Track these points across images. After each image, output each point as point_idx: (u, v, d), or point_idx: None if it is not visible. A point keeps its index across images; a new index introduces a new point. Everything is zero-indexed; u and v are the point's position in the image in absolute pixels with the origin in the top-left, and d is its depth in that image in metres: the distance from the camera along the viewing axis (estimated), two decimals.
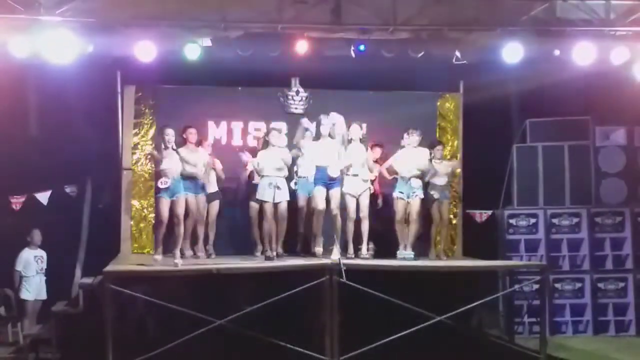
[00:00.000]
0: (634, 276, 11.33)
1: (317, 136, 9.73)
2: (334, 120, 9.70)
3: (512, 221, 11.44)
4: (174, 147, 9.28)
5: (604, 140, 11.56)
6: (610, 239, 11.40)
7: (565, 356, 9.53)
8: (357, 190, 9.70)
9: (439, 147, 10.46)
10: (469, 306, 9.01)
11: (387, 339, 8.32)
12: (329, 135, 9.66)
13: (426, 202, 10.08)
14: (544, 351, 8.91)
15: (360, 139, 9.78)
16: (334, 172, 9.52)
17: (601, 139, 11.56)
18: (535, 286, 9.86)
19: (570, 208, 11.46)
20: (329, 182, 9.55)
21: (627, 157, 11.49)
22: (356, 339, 8.33)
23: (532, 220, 11.43)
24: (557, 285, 11.27)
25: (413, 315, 8.44)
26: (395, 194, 9.98)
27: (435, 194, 10.19)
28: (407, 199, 9.88)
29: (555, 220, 11.43)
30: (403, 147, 10.08)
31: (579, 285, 11.33)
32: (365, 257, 9.65)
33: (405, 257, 9.79)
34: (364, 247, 9.77)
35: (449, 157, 11.06)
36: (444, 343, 8.79)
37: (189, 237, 9.86)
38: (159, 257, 9.20)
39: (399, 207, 9.93)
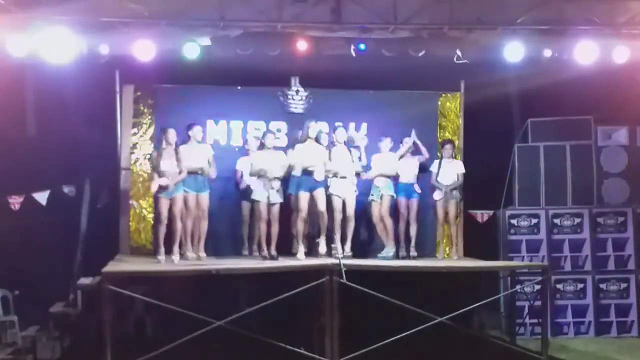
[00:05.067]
0: (636, 277, 11.27)
1: (304, 139, 9.75)
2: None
3: (514, 221, 11.39)
4: (175, 146, 9.44)
5: (606, 140, 11.51)
6: (612, 240, 11.34)
7: (567, 357, 9.52)
8: (344, 192, 9.89)
9: (448, 147, 10.58)
10: (470, 307, 8.97)
11: (388, 340, 8.27)
12: (316, 139, 9.75)
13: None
14: (545, 352, 8.87)
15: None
16: (319, 176, 9.60)
17: (603, 138, 11.50)
18: (537, 287, 9.85)
19: (572, 208, 11.41)
20: (313, 185, 9.60)
21: (629, 157, 11.44)
22: (356, 339, 8.29)
23: (534, 221, 11.38)
24: (559, 286, 11.22)
25: (414, 316, 8.40)
26: (370, 198, 10.34)
27: (439, 194, 10.38)
28: (379, 200, 10.22)
29: (556, 221, 11.38)
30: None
31: (580, 286, 11.27)
32: (348, 256, 9.71)
33: (384, 257, 10.10)
34: (347, 246, 9.93)
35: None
36: (445, 344, 8.75)
37: (189, 236, 9.76)
38: (161, 257, 9.29)
39: (373, 209, 10.28)
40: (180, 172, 9.43)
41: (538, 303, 9.42)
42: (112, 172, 10.80)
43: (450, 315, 8.57)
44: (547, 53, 9.93)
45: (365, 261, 9.62)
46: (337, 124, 10.43)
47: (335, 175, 9.87)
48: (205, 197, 9.78)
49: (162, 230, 9.41)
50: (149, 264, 9.30)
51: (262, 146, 9.99)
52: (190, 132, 9.76)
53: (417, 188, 10.45)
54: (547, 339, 9.02)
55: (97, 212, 11.20)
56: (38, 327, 10.07)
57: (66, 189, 10.81)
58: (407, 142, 10.51)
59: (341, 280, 8.18)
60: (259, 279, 8.78)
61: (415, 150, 10.61)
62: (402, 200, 10.43)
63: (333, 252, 9.83)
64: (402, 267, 9.45)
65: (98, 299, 8.10)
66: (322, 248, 9.67)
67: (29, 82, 10.83)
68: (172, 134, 9.50)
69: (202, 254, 9.85)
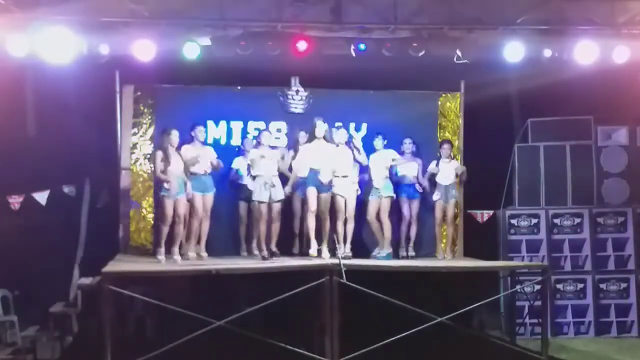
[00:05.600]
0: (637, 277, 11.28)
1: (310, 139, 9.71)
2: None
3: (514, 221, 11.39)
4: (177, 148, 9.49)
5: (606, 140, 11.50)
6: (612, 240, 11.35)
7: (567, 357, 9.51)
8: (346, 192, 9.85)
9: (446, 147, 10.61)
10: (469, 307, 8.97)
11: (388, 340, 8.27)
12: (324, 138, 9.68)
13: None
14: (545, 352, 8.85)
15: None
16: (325, 177, 9.54)
17: (603, 138, 11.50)
18: (537, 287, 9.84)
19: (572, 208, 11.41)
20: (320, 186, 9.57)
21: (629, 157, 11.44)
22: (356, 339, 8.28)
23: (534, 221, 11.38)
24: (559, 286, 11.22)
25: (413, 316, 8.39)
26: (369, 198, 10.33)
27: (438, 194, 10.44)
28: (379, 200, 10.25)
29: (556, 221, 11.38)
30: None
31: (580, 286, 11.28)
32: (348, 256, 9.65)
33: (376, 257, 10.13)
34: (347, 246, 9.90)
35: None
36: (445, 344, 8.74)
37: (192, 237, 9.76)
38: (162, 257, 9.32)
39: (369, 208, 10.30)
40: (184, 173, 9.43)
41: (538, 303, 9.41)
42: (112, 172, 10.77)
43: (450, 315, 8.57)
44: (547, 53, 9.93)
45: (365, 261, 9.61)
46: (337, 124, 10.42)
47: (337, 174, 9.85)
48: (210, 198, 9.79)
49: (165, 231, 9.41)
50: (149, 264, 9.29)
51: (258, 145, 9.97)
52: (193, 133, 9.76)
53: (418, 188, 10.55)
54: (547, 339, 9.00)
55: (97, 212, 11.19)
56: (38, 327, 10.09)
57: (66, 189, 10.81)
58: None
59: (341, 280, 8.17)
60: (259, 279, 8.77)
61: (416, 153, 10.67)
62: (404, 201, 10.49)
63: (336, 251, 9.85)
64: (402, 267, 9.44)
65: (98, 299, 8.10)
66: (325, 254, 9.60)
67: (29, 82, 10.82)
68: (175, 136, 9.48)
69: (204, 253, 9.86)
